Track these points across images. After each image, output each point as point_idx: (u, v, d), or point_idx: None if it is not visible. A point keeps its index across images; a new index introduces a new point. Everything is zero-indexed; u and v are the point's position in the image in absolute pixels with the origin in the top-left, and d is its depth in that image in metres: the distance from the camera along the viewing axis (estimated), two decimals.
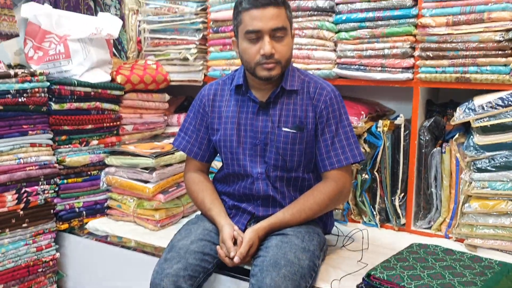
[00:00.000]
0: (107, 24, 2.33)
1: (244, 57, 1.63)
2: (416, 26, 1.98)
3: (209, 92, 1.79)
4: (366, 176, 2.13)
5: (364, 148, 2.10)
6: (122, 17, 2.73)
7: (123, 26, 2.70)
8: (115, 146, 2.37)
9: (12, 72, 1.96)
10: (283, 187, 1.73)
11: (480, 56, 1.86)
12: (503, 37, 1.80)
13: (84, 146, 2.26)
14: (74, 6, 2.64)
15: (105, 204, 2.32)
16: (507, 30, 1.80)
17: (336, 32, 2.16)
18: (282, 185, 1.73)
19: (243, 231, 1.66)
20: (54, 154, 2.15)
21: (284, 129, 1.68)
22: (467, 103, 1.89)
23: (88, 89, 2.22)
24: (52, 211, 2.14)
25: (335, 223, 2.01)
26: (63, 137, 2.17)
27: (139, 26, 2.76)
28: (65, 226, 2.19)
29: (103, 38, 2.32)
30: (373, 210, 2.15)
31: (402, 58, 2.02)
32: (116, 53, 2.80)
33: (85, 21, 2.34)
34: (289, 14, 1.63)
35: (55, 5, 2.48)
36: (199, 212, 1.86)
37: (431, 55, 1.95)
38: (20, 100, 1.98)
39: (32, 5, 2.32)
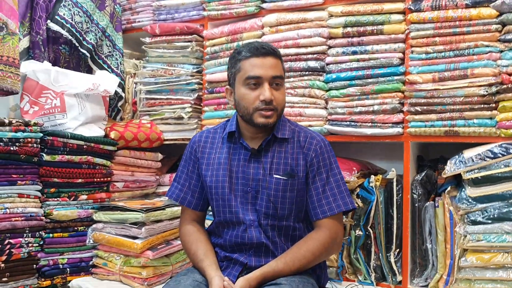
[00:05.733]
0: (104, 81, 2.39)
1: (242, 103, 1.64)
2: (404, 82, 2.07)
3: (199, 139, 1.80)
4: (360, 233, 2.10)
5: (357, 203, 2.09)
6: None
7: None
8: (104, 202, 2.33)
9: (6, 120, 1.97)
10: (275, 237, 1.69)
11: (466, 110, 1.93)
12: (486, 91, 1.88)
13: (73, 200, 2.22)
14: (74, 68, 2.72)
15: (91, 262, 2.23)
16: (490, 85, 1.88)
17: (327, 90, 2.24)
18: (274, 234, 1.69)
19: (235, 283, 1.59)
20: (41, 207, 2.10)
21: (275, 176, 1.68)
22: (457, 156, 1.92)
23: (81, 142, 2.22)
24: (35, 266, 2.05)
25: (330, 282, 1.94)
26: (52, 190, 2.14)
27: (135, 88, 2.83)
28: (48, 283, 2.08)
29: (100, 94, 2.37)
30: (368, 267, 2.10)
31: (391, 114, 2.08)
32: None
33: (82, 78, 2.40)
34: (284, 67, 1.69)
35: (55, 65, 2.55)
36: None
37: (420, 110, 2.01)
38: (12, 148, 1.97)
39: (32, 62, 2.38)
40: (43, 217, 2.09)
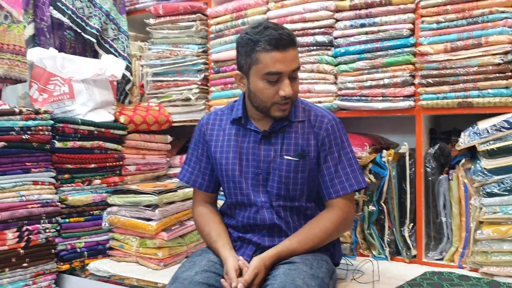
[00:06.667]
0: (110, 65, 2.38)
1: (260, 96, 1.59)
2: (414, 54, 2.02)
3: (207, 121, 1.79)
4: (373, 208, 2.09)
5: (369, 179, 2.07)
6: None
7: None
8: (117, 186, 2.35)
9: (17, 109, 1.98)
10: (287, 217, 1.69)
11: (480, 80, 1.87)
12: (502, 59, 1.82)
13: (87, 185, 2.24)
14: (80, 53, 2.70)
15: (107, 245, 2.26)
16: (506, 53, 1.82)
17: (336, 65, 2.20)
18: (286, 214, 1.69)
19: (249, 262, 1.60)
20: (56, 193, 2.13)
21: (286, 157, 1.66)
22: (471, 128, 1.88)
23: (92, 128, 2.23)
24: (53, 250, 2.09)
25: (344, 257, 1.95)
26: (66, 176, 2.16)
27: (141, 70, 2.81)
28: (66, 266, 2.13)
29: (107, 79, 2.36)
30: (382, 242, 2.09)
31: (402, 87, 2.04)
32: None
33: (89, 63, 2.39)
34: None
35: (61, 51, 2.54)
36: None
37: (432, 82, 1.96)
38: (24, 137, 1.99)
39: (38, 50, 2.38)
40: (59, 203, 2.12)
